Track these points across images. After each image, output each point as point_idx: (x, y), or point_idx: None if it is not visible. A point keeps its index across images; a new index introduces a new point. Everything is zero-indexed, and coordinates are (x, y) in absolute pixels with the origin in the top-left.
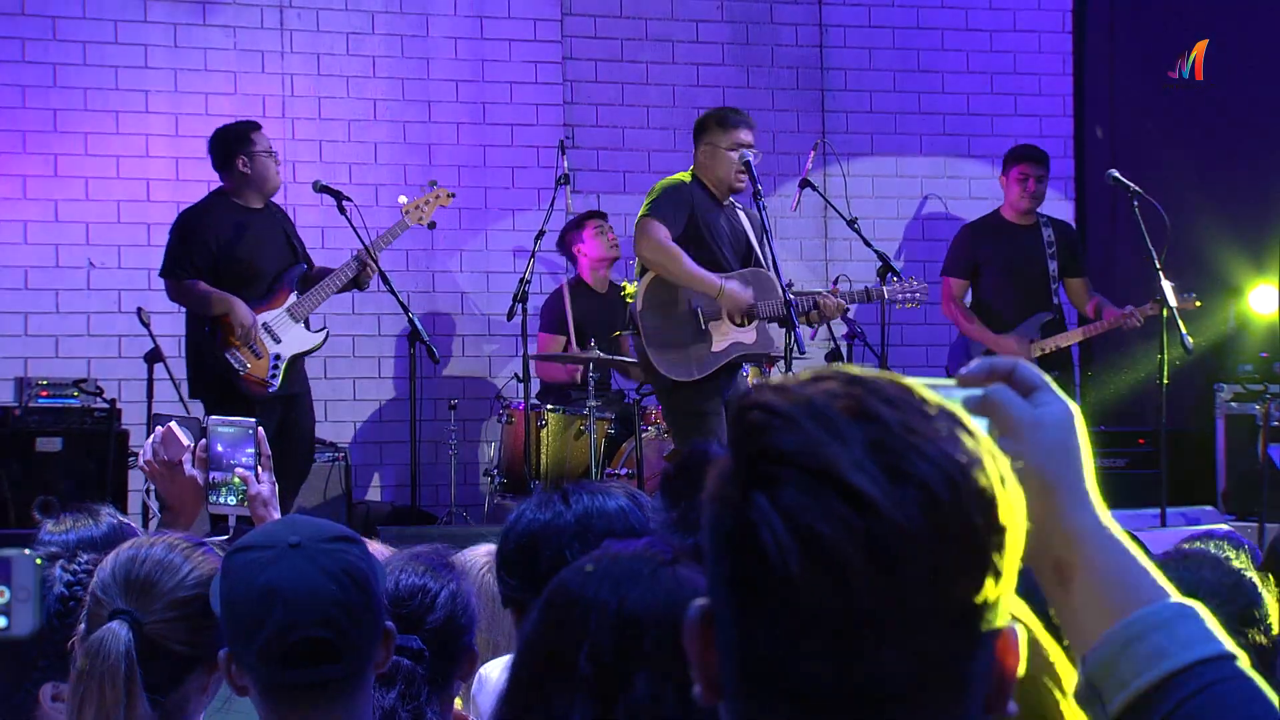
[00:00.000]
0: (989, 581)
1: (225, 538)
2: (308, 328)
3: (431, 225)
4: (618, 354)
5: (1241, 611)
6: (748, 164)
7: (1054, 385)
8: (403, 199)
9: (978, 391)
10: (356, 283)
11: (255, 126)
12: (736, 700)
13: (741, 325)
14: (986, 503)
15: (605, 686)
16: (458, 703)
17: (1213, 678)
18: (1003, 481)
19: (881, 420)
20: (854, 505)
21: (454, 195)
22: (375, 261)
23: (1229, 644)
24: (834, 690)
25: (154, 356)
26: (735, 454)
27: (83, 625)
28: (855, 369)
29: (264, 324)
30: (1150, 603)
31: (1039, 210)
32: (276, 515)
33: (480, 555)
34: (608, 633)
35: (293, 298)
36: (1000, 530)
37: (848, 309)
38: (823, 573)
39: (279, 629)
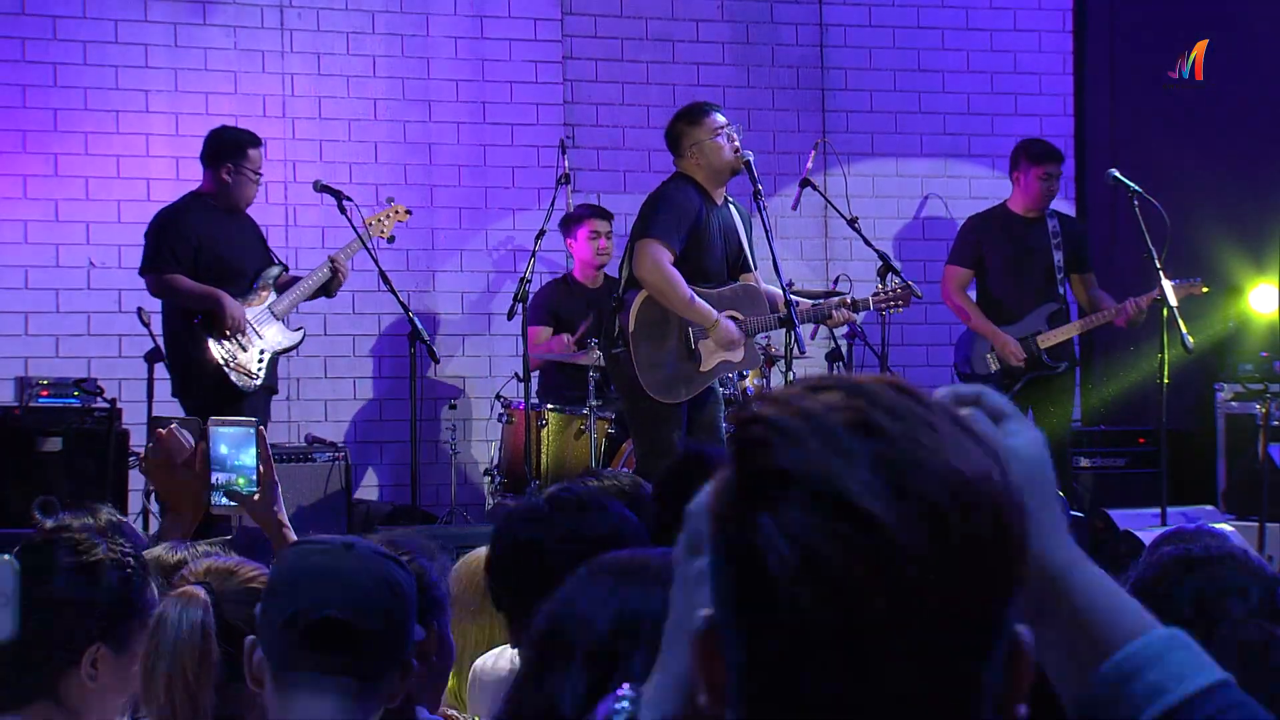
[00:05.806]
0: (1000, 591)
1: (227, 539)
2: (286, 326)
3: (391, 239)
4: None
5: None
6: (748, 163)
7: (1021, 415)
8: (364, 214)
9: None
10: (327, 290)
11: (256, 143)
12: (742, 709)
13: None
14: (994, 513)
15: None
16: (455, 698)
17: (1212, 710)
18: (1009, 487)
19: (885, 434)
20: (861, 527)
21: (410, 212)
22: (372, 255)
23: (1219, 670)
24: (842, 703)
25: (154, 356)
26: (737, 471)
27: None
28: (854, 376)
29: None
30: (1136, 635)
31: None
32: (282, 514)
33: (482, 556)
34: (605, 624)
35: (272, 296)
36: (1009, 538)
37: (857, 321)
38: (832, 595)
39: (313, 602)
